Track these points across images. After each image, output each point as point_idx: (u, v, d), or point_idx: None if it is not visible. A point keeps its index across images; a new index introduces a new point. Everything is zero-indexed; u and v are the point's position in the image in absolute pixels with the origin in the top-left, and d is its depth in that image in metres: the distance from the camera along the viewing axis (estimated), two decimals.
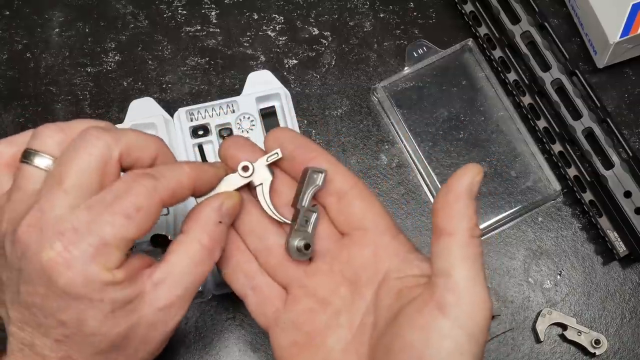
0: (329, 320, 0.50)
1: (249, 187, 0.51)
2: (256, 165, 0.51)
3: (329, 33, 0.73)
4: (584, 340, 0.64)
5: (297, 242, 0.50)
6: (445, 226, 0.44)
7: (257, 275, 0.52)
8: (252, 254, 0.52)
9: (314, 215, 0.51)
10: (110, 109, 0.71)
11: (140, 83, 0.71)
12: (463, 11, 0.71)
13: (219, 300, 0.66)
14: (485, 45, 0.71)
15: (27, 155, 0.47)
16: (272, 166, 0.51)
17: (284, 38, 0.73)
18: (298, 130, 0.69)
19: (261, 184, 0.51)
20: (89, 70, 0.72)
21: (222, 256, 0.50)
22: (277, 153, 0.51)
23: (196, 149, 0.68)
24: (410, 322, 0.45)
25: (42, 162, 0.46)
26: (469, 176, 0.44)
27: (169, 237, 0.65)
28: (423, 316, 0.44)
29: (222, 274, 0.52)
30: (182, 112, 0.68)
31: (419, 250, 0.50)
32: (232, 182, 0.51)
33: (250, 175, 0.50)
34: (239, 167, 0.51)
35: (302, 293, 0.51)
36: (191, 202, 0.68)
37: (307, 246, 0.50)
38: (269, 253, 0.52)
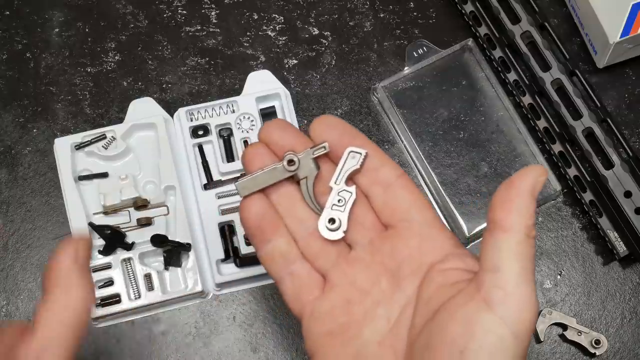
0: (366, 311, 0.48)
1: (293, 179, 0.50)
2: (302, 159, 0.49)
3: (329, 33, 0.73)
4: (584, 341, 0.64)
5: (325, 218, 0.49)
6: (502, 221, 0.43)
7: (297, 260, 0.50)
8: (293, 238, 0.50)
9: (350, 196, 0.49)
10: (110, 109, 0.71)
11: (140, 83, 0.71)
12: (463, 11, 0.71)
13: (219, 300, 0.66)
14: (485, 45, 0.71)
15: None
16: (318, 158, 0.50)
17: (284, 38, 0.73)
18: None
19: (306, 177, 0.50)
20: (89, 70, 0.72)
21: (260, 237, 0.49)
22: (324, 147, 0.49)
23: (196, 149, 0.68)
24: (452, 315, 0.43)
25: None
26: (533, 175, 0.43)
27: (169, 237, 0.65)
28: (467, 310, 0.43)
29: (258, 254, 0.51)
30: (182, 112, 0.68)
31: (464, 246, 0.49)
32: (275, 174, 0.49)
33: (296, 169, 0.49)
34: (285, 160, 0.49)
35: (341, 282, 0.49)
36: (192, 210, 0.68)
37: (331, 220, 0.49)
38: (310, 239, 0.50)
